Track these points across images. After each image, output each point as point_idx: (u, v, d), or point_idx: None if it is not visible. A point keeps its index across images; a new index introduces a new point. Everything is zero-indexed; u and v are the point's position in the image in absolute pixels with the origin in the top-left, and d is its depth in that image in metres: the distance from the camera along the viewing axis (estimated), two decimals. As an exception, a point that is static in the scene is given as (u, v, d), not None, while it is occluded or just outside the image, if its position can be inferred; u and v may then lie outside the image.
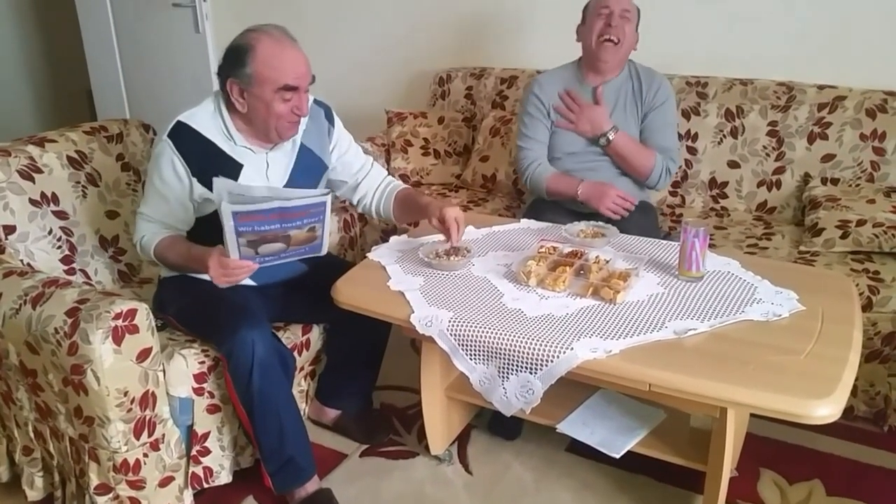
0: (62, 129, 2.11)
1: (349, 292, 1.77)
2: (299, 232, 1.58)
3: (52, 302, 1.57)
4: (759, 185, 2.54)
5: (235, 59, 1.69)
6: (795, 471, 1.87)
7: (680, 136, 2.48)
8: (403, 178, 2.89)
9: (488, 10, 3.12)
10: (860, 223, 2.14)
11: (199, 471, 1.79)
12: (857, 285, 1.93)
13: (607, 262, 1.77)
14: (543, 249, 1.85)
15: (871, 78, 2.46)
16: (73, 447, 1.68)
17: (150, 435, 1.64)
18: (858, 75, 2.47)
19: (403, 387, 2.24)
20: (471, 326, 1.57)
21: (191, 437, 1.75)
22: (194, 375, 1.71)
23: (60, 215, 1.99)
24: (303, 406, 2.05)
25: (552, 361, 1.47)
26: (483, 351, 1.55)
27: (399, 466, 1.95)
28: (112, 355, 1.51)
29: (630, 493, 1.82)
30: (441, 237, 1.90)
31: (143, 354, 1.58)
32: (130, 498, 1.65)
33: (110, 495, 1.65)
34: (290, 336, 1.91)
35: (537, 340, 1.49)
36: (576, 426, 1.74)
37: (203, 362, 1.72)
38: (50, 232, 1.96)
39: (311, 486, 1.76)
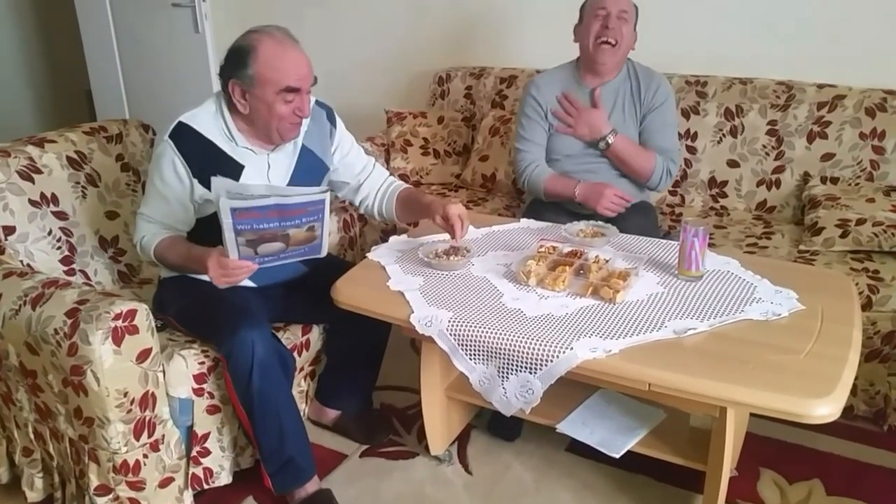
0: (62, 130, 2.11)
1: (349, 292, 1.77)
2: (298, 231, 1.58)
3: (52, 303, 1.57)
4: (759, 184, 2.54)
5: (237, 61, 1.69)
6: (795, 470, 1.87)
7: (679, 136, 2.48)
8: (403, 177, 2.89)
9: (488, 10, 3.12)
10: (860, 222, 2.13)
11: (199, 471, 1.79)
12: (857, 284, 1.93)
13: (607, 261, 1.77)
14: (543, 249, 1.85)
15: (870, 77, 2.46)
16: (73, 448, 1.68)
17: (149, 436, 1.64)
18: (858, 74, 2.47)
19: (403, 387, 2.24)
20: (470, 326, 1.57)
21: (191, 437, 1.75)
22: (194, 376, 1.71)
23: (60, 216, 1.99)
24: (303, 406, 2.05)
25: (552, 361, 1.47)
26: (483, 351, 1.55)
27: (399, 467, 1.95)
28: (112, 356, 1.51)
29: (630, 493, 1.82)
30: (443, 236, 1.90)
31: (143, 355, 1.58)
32: (130, 499, 1.65)
33: (110, 496, 1.65)
34: (290, 336, 1.91)
35: (537, 340, 1.49)
36: (575, 426, 1.74)
37: (203, 363, 1.72)
38: (49, 232, 1.96)
39: (311, 486, 1.76)
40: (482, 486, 1.87)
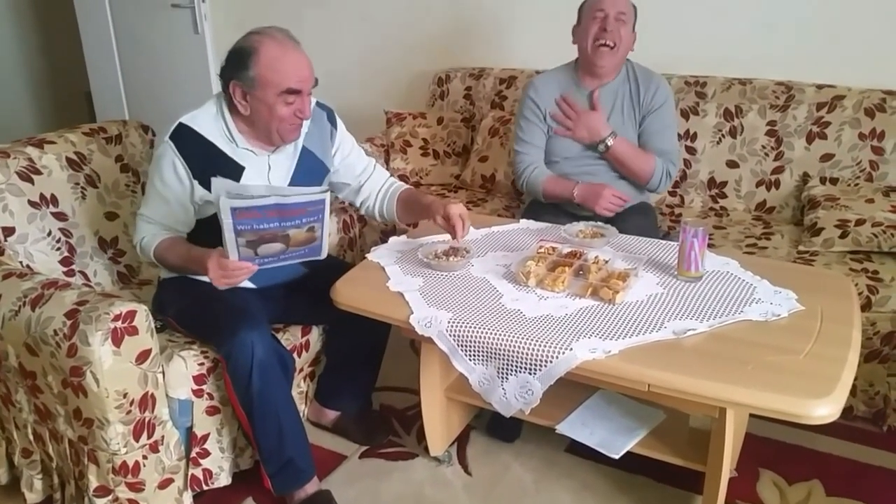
0: (61, 131, 2.11)
1: (348, 293, 1.77)
2: (298, 231, 1.58)
3: (52, 304, 1.57)
4: (758, 184, 2.54)
5: (238, 62, 1.69)
6: (795, 471, 1.87)
7: (679, 136, 2.47)
8: (402, 178, 2.89)
9: (487, 11, 3.12)
10: (859, 223, 2.14)
11: (198, 472, 1.79)
12: (857, 285, 1.93)
13: (606, 262, 1.77)
14: (542, 250, 1.85)
15: (869, 77, 2.46)
16: (73, 449, 1.68)
17: (149, 437, 1.64)
18: (857, 75, 2.47)
19: (403, 388, 2.24)
20: (470, 327, 1.57)
21: (190, 438, 1.75)
22: (194, 377, 1.71)
23: (60, 217, 1.99)
24: (302, 407, 2.05)
25: (551, 362, 1.47)
26: (482, 351, 1.55)
27: (398, 468, 1.95)
28: (111, 357, 1.51)
29: (629, 494, 1.82)
30: (443, 237, 1.90)
31: (143, 356, 1.58)
32: (130, 500, 1.65)
33: (110, 497, 1.65)
34: (290, 337, 1.91)
35: (536, 341, 1.49)
36: (575, 427, 1.74)
37: (202, 364, 1.72)
38: (49, 233, 1.95)
39: (311, 487, 1.76)
40: (482, 486, 1.87)
